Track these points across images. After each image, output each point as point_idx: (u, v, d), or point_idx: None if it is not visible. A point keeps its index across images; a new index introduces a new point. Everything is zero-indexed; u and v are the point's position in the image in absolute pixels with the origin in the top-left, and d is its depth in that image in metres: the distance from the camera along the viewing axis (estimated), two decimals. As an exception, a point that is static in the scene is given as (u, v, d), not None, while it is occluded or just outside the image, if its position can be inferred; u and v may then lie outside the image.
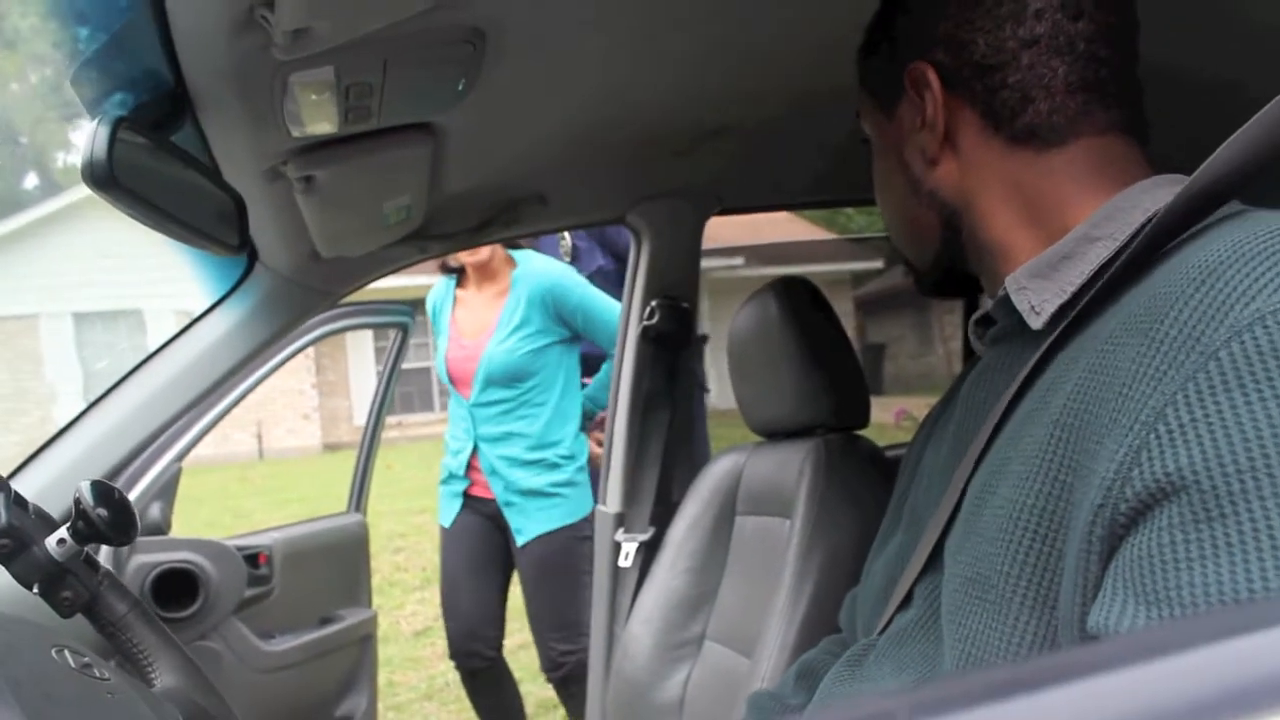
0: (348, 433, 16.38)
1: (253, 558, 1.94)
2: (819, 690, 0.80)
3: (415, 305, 2.43)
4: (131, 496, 1.68)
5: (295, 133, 0.97)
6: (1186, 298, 0.49)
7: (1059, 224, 0.69)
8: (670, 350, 1.80)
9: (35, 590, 0.75)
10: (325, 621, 2.18)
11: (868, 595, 0.86)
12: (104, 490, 0.75)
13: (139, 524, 0.77)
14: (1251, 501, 0.42)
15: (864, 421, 1.41)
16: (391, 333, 2.46)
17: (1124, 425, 0.48)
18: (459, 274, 2.56)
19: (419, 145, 1.14)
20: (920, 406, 6.76)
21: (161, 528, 1.76)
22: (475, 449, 2.49)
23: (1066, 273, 0.66)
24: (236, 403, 1.86)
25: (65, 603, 0.75)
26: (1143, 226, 0.63)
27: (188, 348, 1.36)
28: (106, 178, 0.79)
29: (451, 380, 2.53)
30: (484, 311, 2.50)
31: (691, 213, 1.72)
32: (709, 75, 1.20)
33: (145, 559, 1.66)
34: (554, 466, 2.45)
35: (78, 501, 0.73)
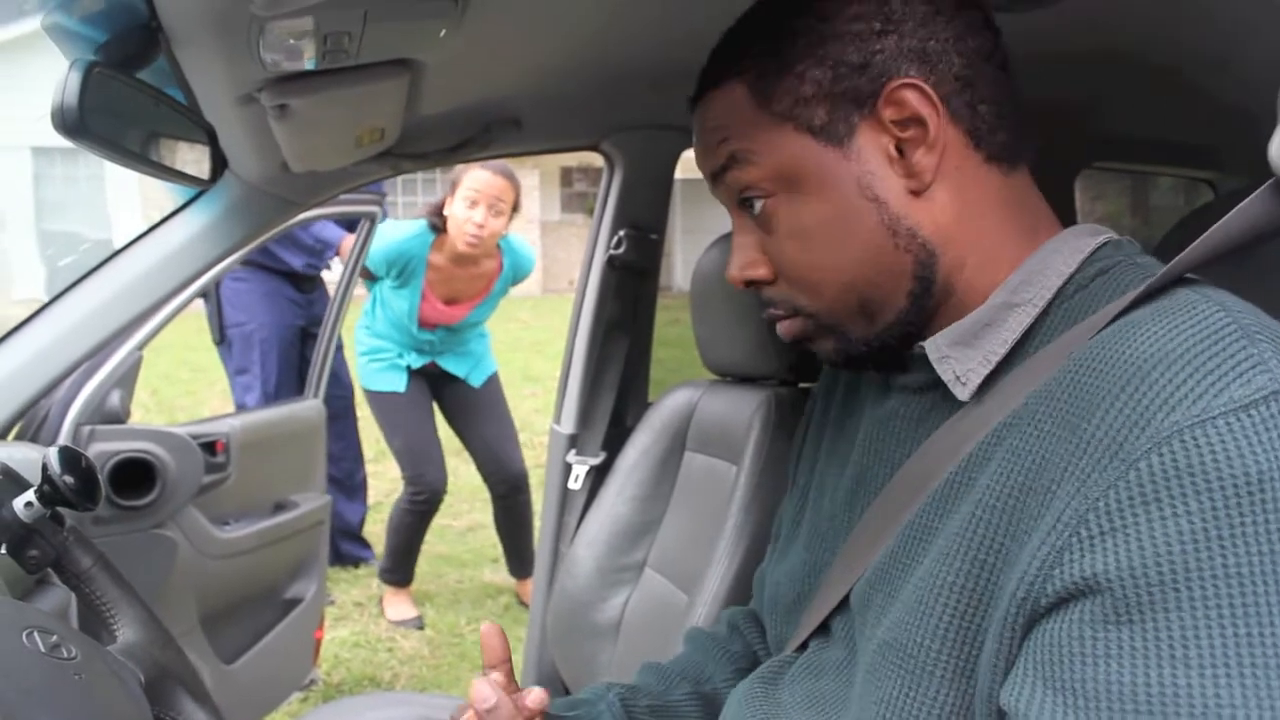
0: (312, 288, 16.19)
1: (210, 445, 1.96)
2: (731, 704, 0.84)
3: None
4: (92, 385, 1.69)
5: (271, 69, 0.96)
6: (1113, 398, 0.52)
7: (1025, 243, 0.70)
8: (634, 279, 1.82)
9: (3, 549, 0.78)
10: (279, 508, 2.23)
11: (776, 601, 0.88)
12: (71, 456, 0.77)
13: (103, 490, 0.79)
14: (1157, 613, 0.47)
15: (815, 376, 1.44)
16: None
17: (1049, 522, 0.52)
18: (438, 233, 2.98)
19: (396, 78, 1.13)
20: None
21: (120, 416, 1.77)
22: (433, 360, 3.25)
23: (989, 340, 0.67)
24: (200, 293, 1.86)
25: (32, 561, 0.78)
26: (1061, 289, 0.65)
27: (152, 251, 1.36)
28: (78, 125, 0.79)
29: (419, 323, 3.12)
30: (463, 288, 3.13)
31: (666, 146, 1.71)
32: (691, 14, 1.19)
33: (104, 447, 1.68)
34: (483, 336, 3.38)
35: (45, 467, 0.76)
